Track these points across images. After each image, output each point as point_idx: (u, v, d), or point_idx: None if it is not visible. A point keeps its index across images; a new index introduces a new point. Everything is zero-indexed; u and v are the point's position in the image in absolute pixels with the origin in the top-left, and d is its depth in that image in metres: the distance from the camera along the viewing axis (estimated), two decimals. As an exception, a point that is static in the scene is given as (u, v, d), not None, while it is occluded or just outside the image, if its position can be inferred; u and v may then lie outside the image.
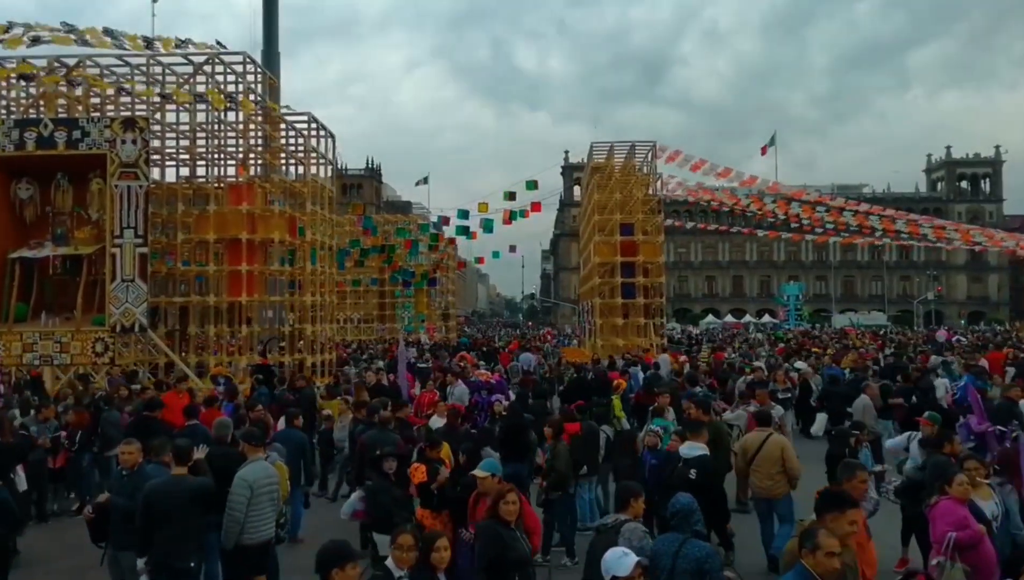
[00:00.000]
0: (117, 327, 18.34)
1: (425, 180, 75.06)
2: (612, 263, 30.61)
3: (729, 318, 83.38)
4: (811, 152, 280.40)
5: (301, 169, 23.27)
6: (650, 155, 31.73)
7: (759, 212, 35.43)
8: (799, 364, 18.51)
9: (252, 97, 20.56)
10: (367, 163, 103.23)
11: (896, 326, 72.48)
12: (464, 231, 29.84)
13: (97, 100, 21.09)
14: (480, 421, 12.44)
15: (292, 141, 23.09)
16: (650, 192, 32.15)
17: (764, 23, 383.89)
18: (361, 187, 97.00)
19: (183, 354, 20.23)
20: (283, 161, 23.75)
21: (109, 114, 20.12)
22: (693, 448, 7.98)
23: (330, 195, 23.67)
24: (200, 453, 7.12)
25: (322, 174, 23.29)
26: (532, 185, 30.83)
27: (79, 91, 20.56)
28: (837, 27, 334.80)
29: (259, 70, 21.36)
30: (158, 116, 20.84)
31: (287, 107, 21.91)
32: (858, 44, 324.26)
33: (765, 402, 11.00)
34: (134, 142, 18.60)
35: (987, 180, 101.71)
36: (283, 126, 22.34)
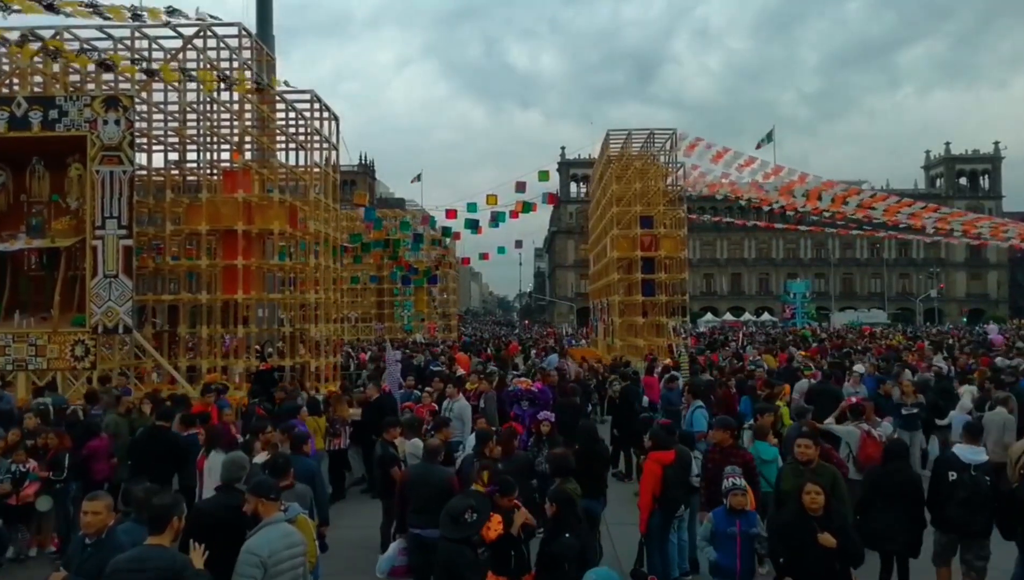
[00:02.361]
0: (99, 328, 16.61)
1: (419, 177, 73.29)
2: (631, 258, 28.96)
3: (728, 316, 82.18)
4: (803, 150, 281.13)
5: (302, 154, 21.35)
6: (669, 144, 30.02)
7: (786, 205, 33.73)
8: (857, 367, 16.76)
9: (248, 74, 18.63)
10: (360, 159, 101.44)
11: (894, 324, 71.34)
12: (473, 225, 28.24)
13: (76, 77, 19.17)
14: (522, 441, 10.55)
15: (292, 123, 21.17)
16: (668, 182, 30.46)
17: (755, 22, 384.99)
18: (355, 184, 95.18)
19: (172, 358, 18.53)
20: (282, 145, 21.83)
21: (90, 92, 18.20)
22: (974, 451, 7.06)
23: (334, 183, 21.80)
24: None
25: (324, 160, 21.34)
26: (545, 176, 29.22)
27: (56, 66, 18.62)
28: (827, 26, 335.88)
29: (255, 45, 19.46)
30: (144, 95, 18.89)
31: (286, 82, 19.91)
32: (848, 43, 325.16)
33: (871, 418, 9.30)
34: (117, 123, 16.76)
35: (986, 176, 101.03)
36: (282, 106, 20.41)
